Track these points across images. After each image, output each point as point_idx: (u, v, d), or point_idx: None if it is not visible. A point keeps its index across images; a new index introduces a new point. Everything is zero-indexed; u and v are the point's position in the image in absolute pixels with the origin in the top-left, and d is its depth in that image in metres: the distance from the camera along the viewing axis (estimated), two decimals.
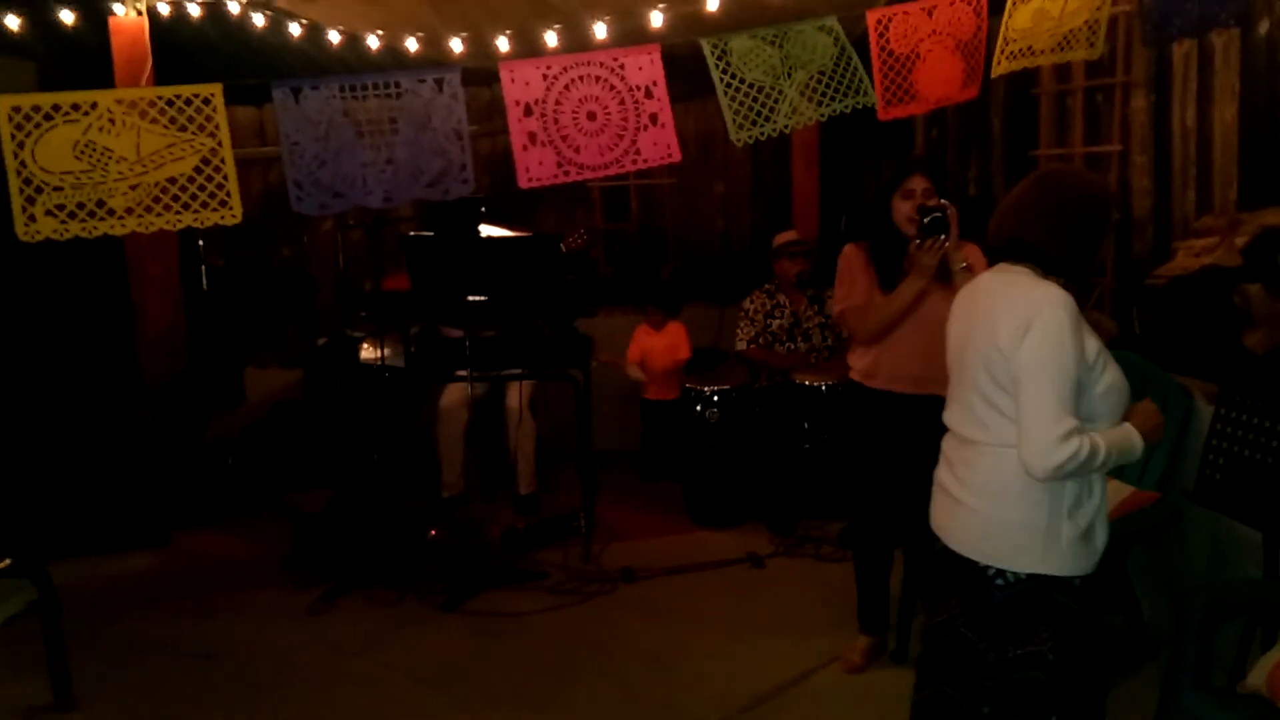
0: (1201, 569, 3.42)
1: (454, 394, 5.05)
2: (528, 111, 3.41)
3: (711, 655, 3.68)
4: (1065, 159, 4.78)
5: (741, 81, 3.53)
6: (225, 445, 5.42)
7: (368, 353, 5.18)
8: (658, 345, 5.60)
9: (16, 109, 3.19)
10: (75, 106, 3.23)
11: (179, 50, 4.85)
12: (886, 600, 3.57)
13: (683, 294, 5.96)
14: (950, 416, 2.41)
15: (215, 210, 3.33)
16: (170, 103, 3.28)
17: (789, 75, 3.57)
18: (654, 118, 3.47)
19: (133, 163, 3.27)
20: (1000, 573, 2.23)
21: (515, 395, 4.99)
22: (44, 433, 4.67)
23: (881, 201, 3.32)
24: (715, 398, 4.95)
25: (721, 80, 3.51)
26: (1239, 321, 3.47)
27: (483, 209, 4.87)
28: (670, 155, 3.51)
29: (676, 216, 6.84)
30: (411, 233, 4.72)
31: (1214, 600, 2.68)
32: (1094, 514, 2.23)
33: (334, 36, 4.91)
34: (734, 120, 3.54)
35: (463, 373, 4.39)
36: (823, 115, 3.64)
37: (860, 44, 3.66)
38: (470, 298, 4.17)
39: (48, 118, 3.21)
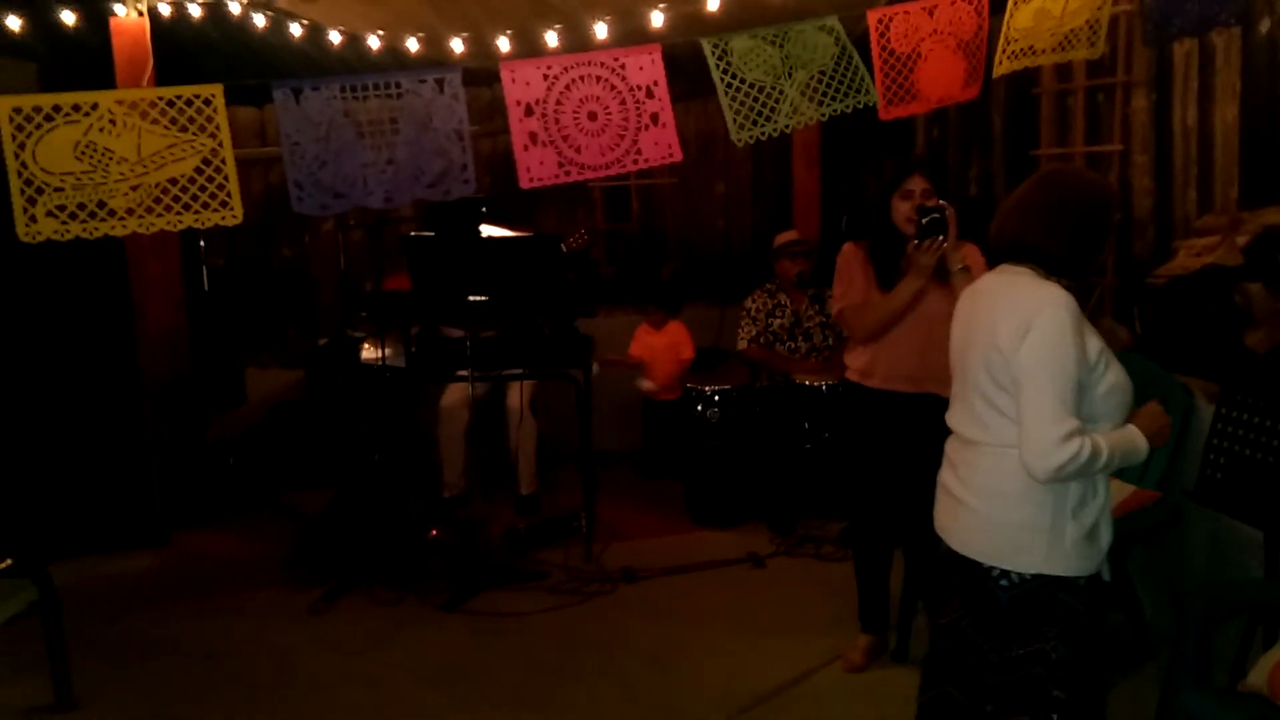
0: (1202, 568, 3.42)
1: (455, 394, 5.05)
2: (529, 111, 3.41)
3: (712, 655, 3.68)
4: (1066, 158, 4.77)
5: (742, 81, 3.53)
6: (226, 445, 5.42)
7: (368, 353, 5.18)
8: (658, 345, 5.61)
9: (17, 110, 3.20)
10: (76, 107, 3.23)
11: (180, 51, 4.85)
12: (887, 599, 3.58)
13: (683, 294, 5.96)
14: (952, 417, 2.40)
15: (216, 211, 3.33)
16: (171, 103, 3.29)
17: (790, 75, 3.57)
18: (655, 117, 3.48)
19: (133, 163, 3.27)
20: (1005, 573, 2.23)
21: (516, 395, 4.99)
22: (45, 433, 4.67)
23: (880, 201, 3.32)
24: (716, 397, 4.95)
25: (722, 80, 3.51)
26: (1240, 321, 3.47)
27: (483, 209, 4.87)
28: (671, 155, 3.51)
29: (677, 216, 6.84)
30: (412, 233, 4.73)
31: (1214, 599, 2.68)
32: (1098, 514, 2.23)
33: (335, 37, 4.91)
34: (735, 120, 3.54)
35: (463, 373, 4.39)
36: (823, 115, 3.65)
37: (861, 43, 3.66)
38: (471, 298, 4.17)
39: (48, 118, 3.21)
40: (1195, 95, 4.19)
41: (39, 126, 3.21)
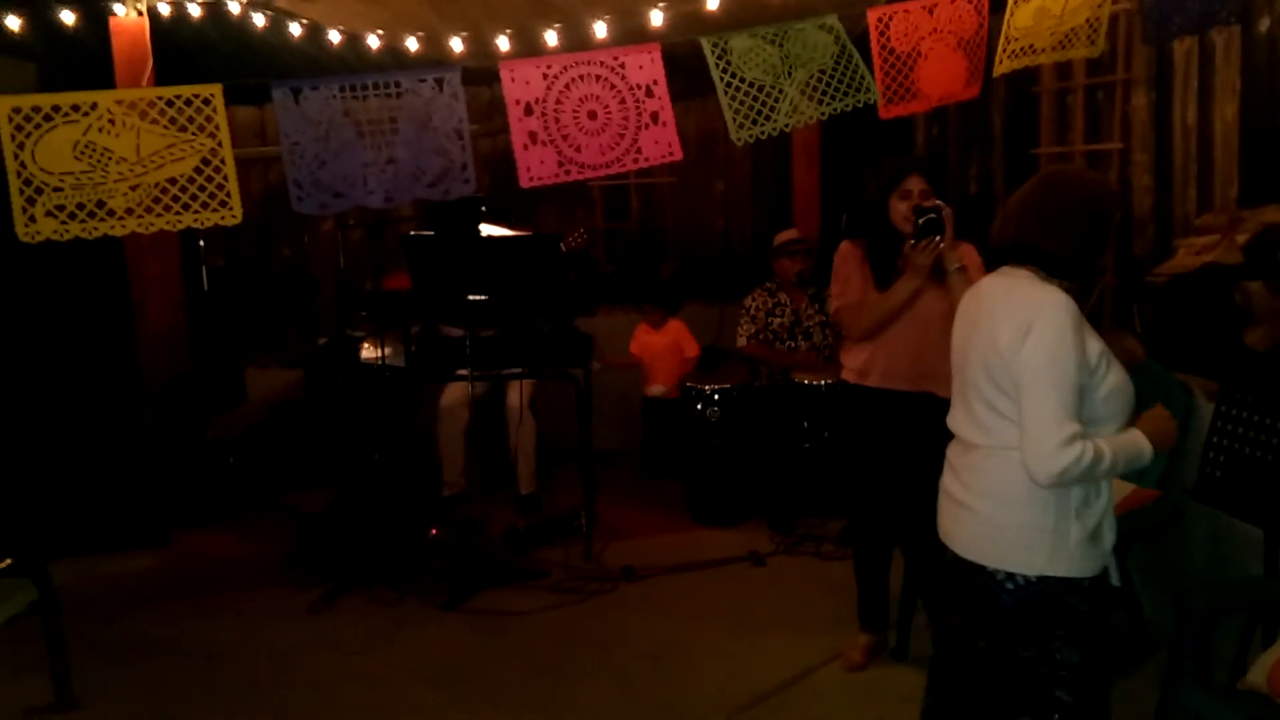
0: (1202, 566, 3.42)
1: (454, 393, 5.05)
2: (528, 111, 3.41)
3: (712, 653, 3.68)
4: (1066, 157, 4.77)
5: (742, 80, 3.53)
6: (226, 445, 5.42)
7: (368, 352, 5.18)
8: (657, 345, 5.61)
9: (17, 110, 3.20)
10: (75, 107, 3.23)
11: (179, 50, 4.85)
12: (887, 598, 3.58)
13: (682, 292, 5.96)
14: (953, 420, 2.40)
15: (215, 210, 3.33)
16: (170, 103, 3.29)
17: (789, 74, 3.57)
18: (655, 116, 3.47)
19: (133, 163, 3.27)
20: (1010, 576, 2.22)
21: (516, 394, 4.99)
22: (44, 433, 4.67)
23: (878, 201, 3.33)
24: (716, 396, 4.95)
25: (722, 79, 3.51)
26: (1240, 319, 3.47)
27: (483, 208, 4.87)
28: (671, 154, 3.51)
29: (677, 215, 6.84)
30: (412, 232, 4.73)
31: (1214, 598, 2.69)
32: (1102, 514, 2.23)
33: (334, 36, 4.91)
34: (734, 119, 3.54)
35: (463, 372, 4.39)
36: (823, 114, 3.64)
37: (861, 42, 3.66)
38: (470, 297, 4.17)
39: (48, 118, 3.21)
40: (1195, 93, 4.19)
41: (38, 126, 3.20)
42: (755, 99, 3.54)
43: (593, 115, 3.44)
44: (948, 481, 2.40)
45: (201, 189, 3.31)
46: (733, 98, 3.53)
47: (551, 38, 4.27)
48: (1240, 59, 3.94)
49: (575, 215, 6.52)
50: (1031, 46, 3.70)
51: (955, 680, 2.39)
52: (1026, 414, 2.13)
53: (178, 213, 3.31)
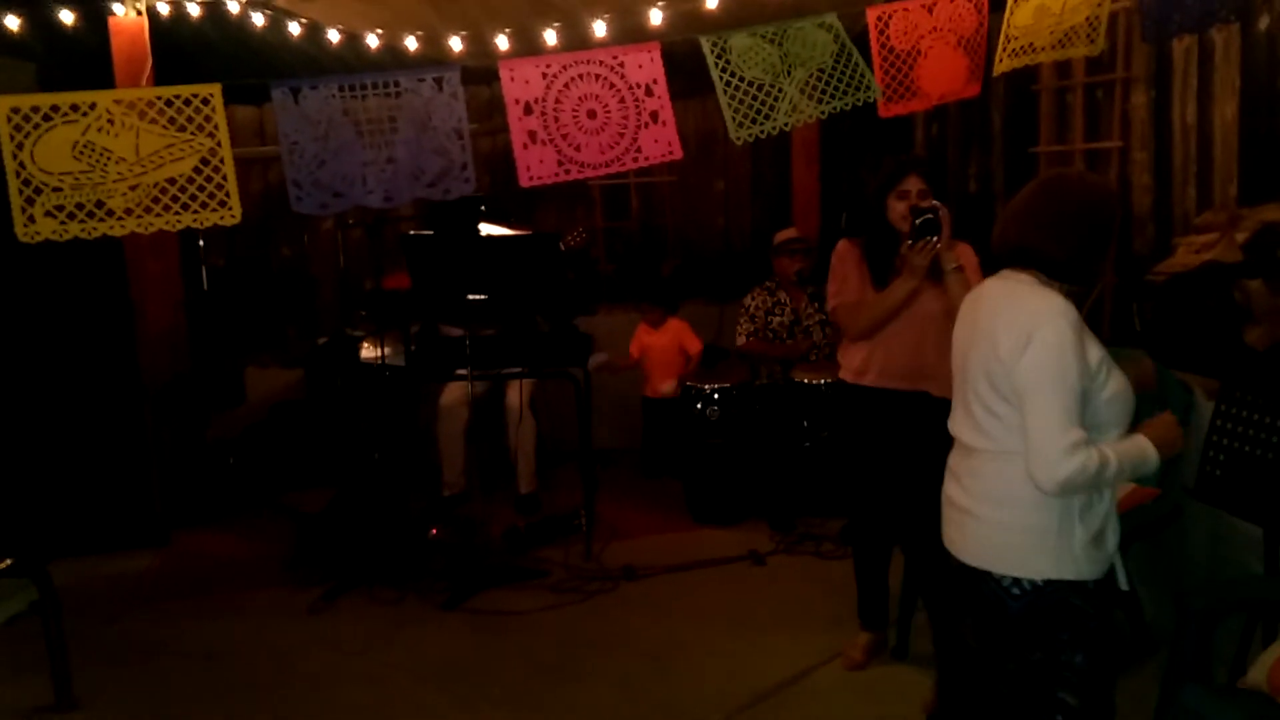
0: (1202, 565, 3.42)
1: (454, 393, 5.05)
2: (528, 110, 3.41)
3: (712, 653, 3.68)
4: (1065, 155, 4.77)
5: (741, 79, 3.52)
6: (226, 445, 5.42)
7: (368, 352, 5.18)
8: (656, 344, 5.60)
9: (16, 109, 3.19)
10: (74, 107, 3.23)
11: (178, 50, 4.85)
12: (886, 597, 3.58)
13: (681, 291, 5.96)
14: (954, 424, 2.39)
15: (215, 210, 3.33)
16: (169, 103, 3.28)
17: (789, 73, 3.57)
18: (655, 115, 3.47)
19: (132, 163, 3.26)
20: (1016, 581, 2.21)
21: (515, 394, 4.99)
22: (44, 433, 4.67)
23: (876, 200, 3.33)
24: (716, 396, 4.94)
25: (721, 78, 3.51)
26: (1240, 317, 3.47)
27: (483, 208, 4.87)
28: (671, 153, 3.51)
29: (677, 214, 6.84)
30: (411, 231, 4.72)
31: (1214, 596, 2.69)
32: (1105, 517, 2.23)
33: (333, 36, 4.92)
34: (733, 118, 3.53)
35: (463, 371, 4.38)
36: (823, 113, 3.64)
37: (860, 41, 3.66)
38: (470, 296, 4.17)
39: (47, 118, 3.21)
40: (1194, 92, 4.19)
41: (37, 126, 3.20)
42: (754, 98, 3.54)
43: (592, 114, 3.44)
44: (950, 489, 2.39)
45: (201, 189, 3.31)
46: (732, 97, 3.52)
47: (551, 37, 4.27)
48: (1240, 57, 3.94)
49: (575, 214, 6.52)
50: (1031, 45, 3.69)
51: (962, 684, 2.39)
52: (1030, 423, 2.12)
53: (177, 213, 3.31)
